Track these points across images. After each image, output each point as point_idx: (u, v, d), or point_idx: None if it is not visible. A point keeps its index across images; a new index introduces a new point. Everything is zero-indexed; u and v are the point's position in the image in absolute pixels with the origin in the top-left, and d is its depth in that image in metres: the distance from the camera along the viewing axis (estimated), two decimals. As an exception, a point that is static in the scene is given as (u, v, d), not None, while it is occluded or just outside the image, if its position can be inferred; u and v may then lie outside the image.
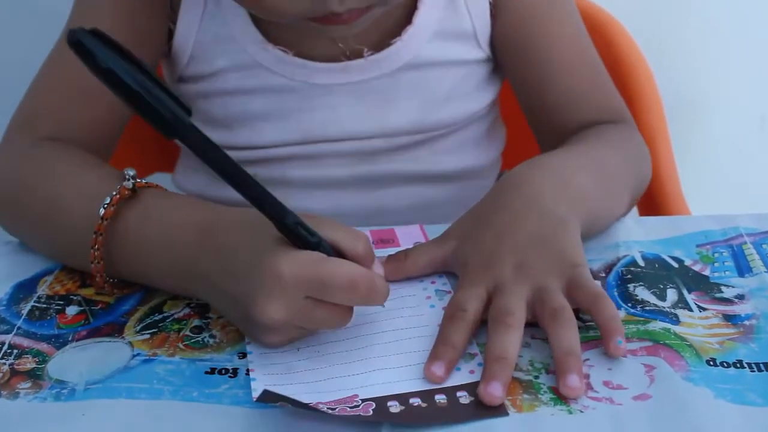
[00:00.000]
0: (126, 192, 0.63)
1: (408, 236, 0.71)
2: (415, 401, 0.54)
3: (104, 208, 0.62)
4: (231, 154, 0.82)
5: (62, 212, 0.66)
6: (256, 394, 0.54)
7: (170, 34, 0.79)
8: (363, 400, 0.54)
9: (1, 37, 1.25)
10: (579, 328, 0.58)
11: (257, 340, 0.58)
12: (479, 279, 0.60)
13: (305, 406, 0.52)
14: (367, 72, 0.78)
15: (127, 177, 0.63)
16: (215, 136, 0.82)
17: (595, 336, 0.58)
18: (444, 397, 0.54)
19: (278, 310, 0.55)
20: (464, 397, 0.54)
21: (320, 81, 0.79)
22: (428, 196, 0.85)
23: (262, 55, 0.77)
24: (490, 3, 0.80)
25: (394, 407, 0.53)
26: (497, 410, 0.53)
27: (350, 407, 0.53)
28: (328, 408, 0.52)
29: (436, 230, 0.68)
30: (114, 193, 0.62)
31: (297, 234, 0.56)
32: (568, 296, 0.59)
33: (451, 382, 0.55)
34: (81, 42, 0.48)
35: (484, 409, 0.53)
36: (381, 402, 0.53)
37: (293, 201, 0.81)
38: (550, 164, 0.69)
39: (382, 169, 0.83)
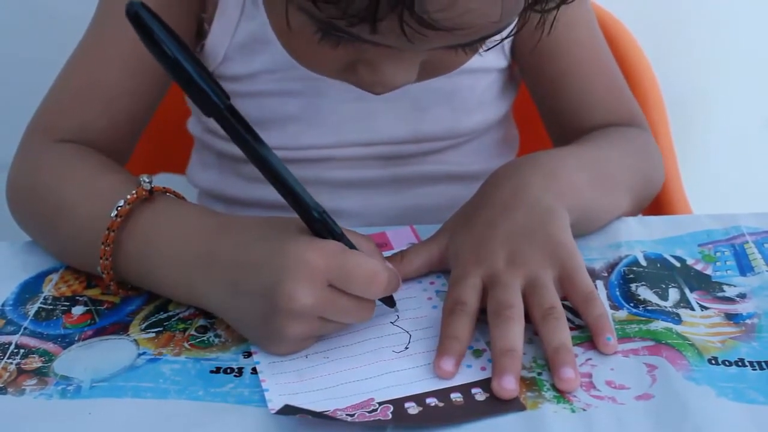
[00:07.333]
0: (143, 193, 0.63)
1: (400, 238, 0.71)
2: (432, 401, 0.54)
3: (119, 207, 0.62)
4: None
5: (76, 212, 0.66)
6: (272, 405, 0.54)
7: (200, 31, 0.78)
8: (380, 404, 0.54)
9: (20, 39, 1.26)
10: (581, 327, 0.60)
11: (271, 345, 0.58)
12: (473, 270, 0.61)
13: (325, 416, 0.52)
14: None
15: (144, 181, 0.64)
16: None
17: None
18: (460, 395, 0.54)
19: (306, 295, 0.55)
20: (479, 394, 0.55)
21: None
22: (456, 195, 0.85)
23: None
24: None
25: (412, 408, 0.53)
26: (513, 404, 0.54)
27: (368, 411, 0.53)
28: (346, 415, 0.52)
29: (427, 230, 0.69)
30: (133, 192, 0.63)
31: (324, 222, 0.57)
32: (559, 286, 0.60)
33: (464, 380, 0.56)
34: (138, 15, 0.52)
35: (501, 404, 0.54)
36: (398, 404, 0.54)
37: (326, 200, 0.81)
38: (540, 159, 0.70)
39: (413, 171, 0.85)
